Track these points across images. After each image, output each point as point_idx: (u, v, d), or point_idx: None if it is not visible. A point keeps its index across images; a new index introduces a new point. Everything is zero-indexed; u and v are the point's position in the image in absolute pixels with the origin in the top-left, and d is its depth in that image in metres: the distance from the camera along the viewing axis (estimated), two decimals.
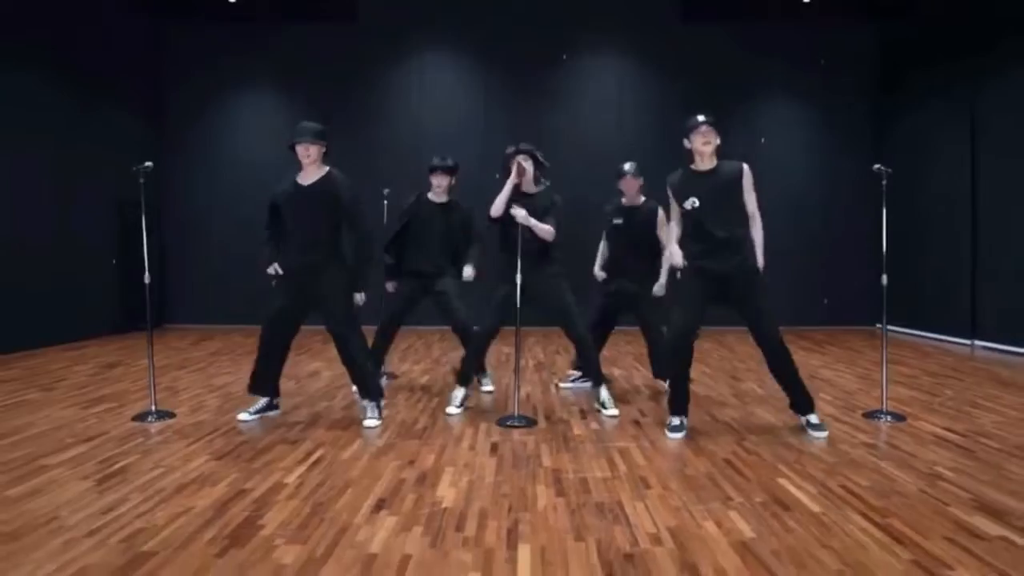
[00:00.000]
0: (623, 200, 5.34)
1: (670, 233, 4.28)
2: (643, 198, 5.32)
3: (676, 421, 4.18)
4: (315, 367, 6.57)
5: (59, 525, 2.76)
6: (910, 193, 9.40)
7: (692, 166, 4.14)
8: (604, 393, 4.74)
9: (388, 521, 2.81)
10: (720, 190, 4.02)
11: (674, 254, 4.13)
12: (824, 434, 4.06)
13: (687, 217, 4.10)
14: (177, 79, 10.19)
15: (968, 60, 8.11)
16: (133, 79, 9.72)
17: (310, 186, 4.33)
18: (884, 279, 4.73)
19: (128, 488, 3.20)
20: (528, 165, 4.56)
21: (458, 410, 4.72)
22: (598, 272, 5.53)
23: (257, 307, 4.94)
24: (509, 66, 10.03)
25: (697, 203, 4.02)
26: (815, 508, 2.93)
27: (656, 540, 2.62)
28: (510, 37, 9.94)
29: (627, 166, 5.27)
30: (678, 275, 4.22)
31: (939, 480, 3.28)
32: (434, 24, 10.04)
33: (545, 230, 4.51)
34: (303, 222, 4.33)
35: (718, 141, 4.05)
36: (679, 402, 4.21)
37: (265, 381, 4.54)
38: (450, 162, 5.32)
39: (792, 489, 3.17)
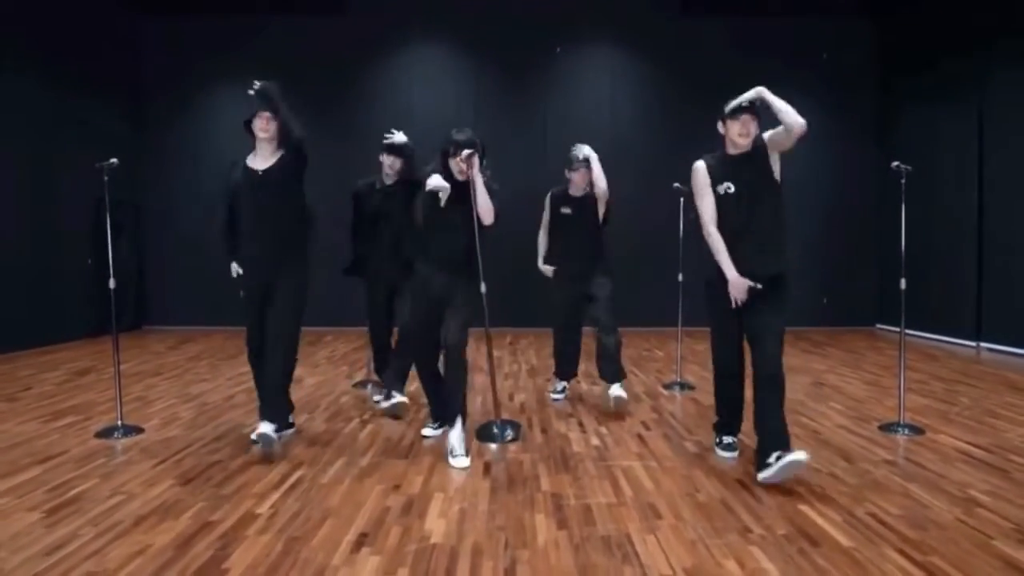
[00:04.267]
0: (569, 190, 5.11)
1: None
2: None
3: (729, 440, 3.88)
4: (297, 374, 6.23)
5: None
6: (914, 191, 9.12)
7: (726, 150, 3.66)
8: (455, 432, 3.79)
9: (370, 561, 2.50)
10: (756, 173, 3.59)
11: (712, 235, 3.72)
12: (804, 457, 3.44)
13: (720, 206, 3.66)
14: (156, 74, 9.77)
15: (974, 53, 7.86)
16: (111, 75, 9.29)
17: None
18: (903, 283, 4.49)
19: (80, 520, 2.87)
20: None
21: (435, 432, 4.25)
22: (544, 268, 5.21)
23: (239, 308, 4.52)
24: (501, 59, 9.69)
25: (732, 188, 3.61)
26: (845, 542, 2.64)
27: None
28: (502, 29, 9.60)
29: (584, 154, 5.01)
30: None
31: (976, 507, 3.01)
32: (425, 16, 9.66)
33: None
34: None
35: (757, 130, 3.56)
36: (734, 421, 3.90)
37: None
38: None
39: (816, 518, 2.89)
